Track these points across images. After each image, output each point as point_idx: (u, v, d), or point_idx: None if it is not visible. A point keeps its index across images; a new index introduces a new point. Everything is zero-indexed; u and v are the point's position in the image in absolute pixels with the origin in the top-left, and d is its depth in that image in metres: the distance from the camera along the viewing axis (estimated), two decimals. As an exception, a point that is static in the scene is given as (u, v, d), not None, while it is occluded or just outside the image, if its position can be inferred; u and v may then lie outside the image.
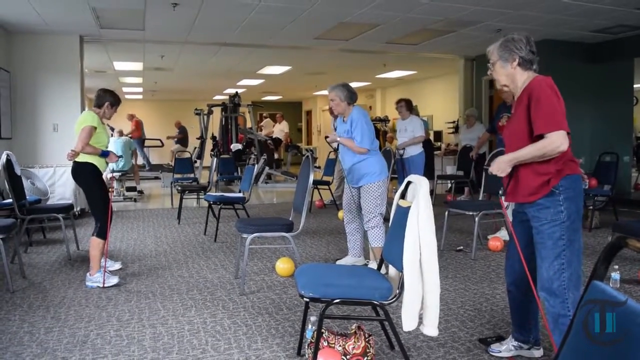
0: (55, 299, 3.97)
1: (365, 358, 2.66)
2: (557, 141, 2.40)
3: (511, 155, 2.57)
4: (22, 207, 5.13)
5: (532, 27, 7.52)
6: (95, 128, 4.27)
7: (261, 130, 16.76)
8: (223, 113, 13.06)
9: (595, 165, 7.18)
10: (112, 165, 9.56)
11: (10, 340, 3.16)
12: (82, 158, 4.30)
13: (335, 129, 4.90)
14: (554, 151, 2.42)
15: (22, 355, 2.95)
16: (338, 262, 4.83)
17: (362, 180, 4.54)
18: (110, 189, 4.62)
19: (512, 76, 2.64)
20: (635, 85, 9.53)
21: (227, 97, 13.62)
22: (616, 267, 4.12)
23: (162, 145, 16.47)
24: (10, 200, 5.13)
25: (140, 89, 16.36)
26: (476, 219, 5.08)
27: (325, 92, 17.48)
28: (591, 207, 6.48)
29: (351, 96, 4.60)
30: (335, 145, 4.75)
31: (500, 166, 2.58)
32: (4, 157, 5.07)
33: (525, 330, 2.84)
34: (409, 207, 2.50)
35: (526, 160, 2.52)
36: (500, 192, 2.73)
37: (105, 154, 4.35)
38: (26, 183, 6.31)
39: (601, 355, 1.10)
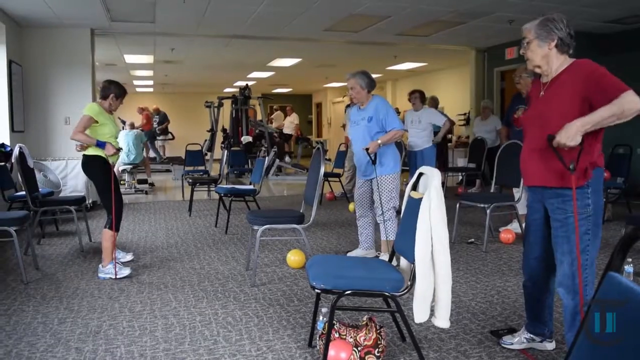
0: (68, 290, 4.01)
1: (377, 350, 2.66)
2: (634, 98, 2.24)
3: (583, 119, 2.29)
4: (35, 199, 5.17)
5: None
6: (96, 121, 4.25)
7: (272, 122, 16.75)
8: (233, 105, 13.07)
9: (608, 157, 7.11)
10: (123, 158, 9.63)
11: (24, 330, 3.20)
12: (92, 151, 4.30)
13: (350, 119, 4.87)
14: (632, 109, 2.23)
15: (36, 345, 2.98)
16: (349, 254, 4.83)
17: (377, 171, 4.51)
18: (120, 182, 4.63)
19: (547, 57, 2.51)
20: (649, 76, 9.43)
21: (237, 89, 13.63)
22: (629, 259, 4.08)
23: (173, 138, 16.53)
24: (24, 192, 5.17)
25: (151, 82, 16.41)
26: (487, 211, 5.05)
27: (335, 84, 17.64)
28: (604, 200, 6.42)
29: (371, 84, 4.56)
30: (373, 156, 4.43)
31: (569, 133, 2.29)
32: (16, 150, 5.10)
33: (539, 323, 2.81)
34: (420, 199, 2.48)
35: (603, 122, 2.29)
36: (570, 167, 2.36)
37: (101, 145, 4.21)
38: (39, 175, 6.36)
39: (611, 356, 1.08)
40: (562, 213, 2.48)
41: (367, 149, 4.40)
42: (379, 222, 4.60)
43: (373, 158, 4.43)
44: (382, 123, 4.48)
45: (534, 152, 2.57)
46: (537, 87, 2.66)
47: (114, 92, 4.44)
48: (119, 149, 4.36)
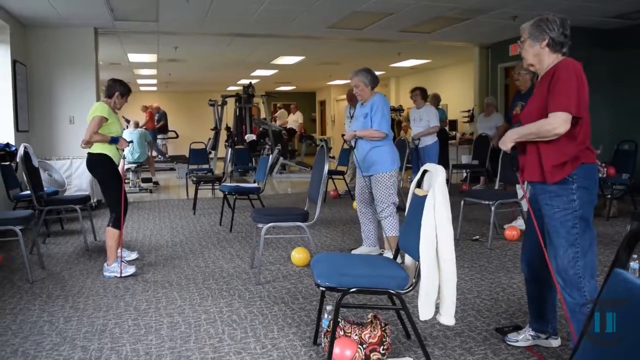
0: (74, 288, 4.02)
1: (382, 347, 2.66)
2: (555, 122, 2.37)
3: (514, 130, 2.61)
4: (40, 199, 5.19)
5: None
6: (107, 119, 4.29)
7: (275, 120, 16.75)
8: (237, 104, 13.07)
9: (613, 153, 7.08)
10: (127, 157, 9.65)
11: (30, 329, 3.21)
12: (97, 149, 4.32)
13: (351, 117, 4.88)
14: (549, 132, 2.40)
15: (43, 344, 2.99)
16: (353, 252, 4.83)
17: (373, 168, 4.51)
18: (124, 180, 4.66)
19: (539, 56, 2.58)
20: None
21: (241, 87, 13.63)
22: (635, 256, 4.06)
23: (177, 136, 16.54)
24: (29, 191, 5.19)
25: (154, 81, 16.42)
26: (492, 208, 5.04)
27: (338, 82, 17.64)
28: (609, 196, 6.40)
29: (374, 80, 4.57)
30: (352, 143, 4.60)
31: (504, 140, 2.62)
32: (21, 149, 5.12)
33: (543, 321, 2.81)
34: (425, 196, 2.48)
35: (526, 137, 2.52)
36: (514, 168, 2.73)
37: (114, 140, 4.33)
38: (44, 175, 6.38)
39: (617, 354, 1.08)
40: (549, 208, 2.52)
41: (342, 135, 4.58)
42: (379, 219, 4.60)
43: (353, 144, 4.59)
44: (371, 120, 4.50)
45: (524, 148, 2.63)
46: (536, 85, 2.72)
47: (119, 90, 4.46)
48: (130, 142, 4.42)
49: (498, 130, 7.63)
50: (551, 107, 2.40)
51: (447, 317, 2.50)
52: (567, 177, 2.45)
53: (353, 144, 4.60)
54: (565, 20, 2.56)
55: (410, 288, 2.56)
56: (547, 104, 2.43)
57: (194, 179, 7.65)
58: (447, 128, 11.61)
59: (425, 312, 2.47)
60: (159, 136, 15.90)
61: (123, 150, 4.46)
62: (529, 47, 2.60)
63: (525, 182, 2.74)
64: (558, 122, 2.37)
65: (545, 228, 2.58)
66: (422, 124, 7.16)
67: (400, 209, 4.42)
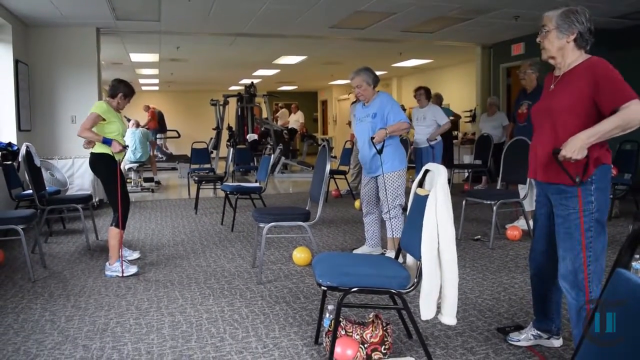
0: (76, 288, 4.02)
1: (383, 347, 2.66)
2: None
3: (587, 132, 2.27)
4: (42, 198, 5.20)
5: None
6: (104, 119, 4.27)
7: (277, 120, 16.75)
8: (239, 103, 13.08)
9: (615, 153, 7.07)
10: (129, 156, 9.66)
11: (32, 328, 3.22)
12: (99, 149, 4.32)
13: (355, 116, 4.85)
14: (638, 119, 2.23)
15: (44, 342, 3.00)
16: (355, 252, 4.83)
17: (381, 168, 4.49)
18: (127, 180, 4.64)
19: (563, 50, 2.47)
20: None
21: (242, 87, 13.64)
22: (637, 256, 4.06)
23: (179, 136, 16.56)
24: (31, 191, 5.19)
25: (156, 80, 16.43)
26: (494, 208, 5.03)
27: (340, 82, 17.61)
28: (611, 196, 6.39)
29: (375, 79, 4.56)
30: (379, 146, 4.40)
31: (575, 147, 2.26)
32: (23, 148, 5.13)
33: (547, 319, 2.80)
34: (426, 196, 2.48)
35: (608, 135, 2.27)
36: (577, 179, 2.36)
37: (107, 142, 4.23)
38: (45, 174, 6.38)
39: (619, 354, 1.08)
40: (564, 209, 2.46)
41: (372, 139, 4.37)
42: (385, 219, 4.59)
43: (379, 148, 4.40)
44: (386, 118, 4.46)
45: (540, 145, 2.55)
46: (549, 80, 2.63)
47: (122, 91, 4.45)
48: (125, 147, 4.36)
49: (506, 130, 7.63)
50: (622, 100, 2.26)
51: (449, 317, 2.49)
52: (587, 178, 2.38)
53: (379, 146, 4.40)
54: (590, 15, 2.45)
55: (412, 288, 2.56)
56: (610, 100, 2.29)
57: (196, 178, 7.65)
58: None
59: (426, 311, 2.47)
60: (158, 137, 15.94)
61: (124, 149, 4.38)
62: (555, 39, 2.46)
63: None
64: None
65: (556, 229, 2.52)
66: (426, 122, 7.13)
67: (405, 209, 4.41)
